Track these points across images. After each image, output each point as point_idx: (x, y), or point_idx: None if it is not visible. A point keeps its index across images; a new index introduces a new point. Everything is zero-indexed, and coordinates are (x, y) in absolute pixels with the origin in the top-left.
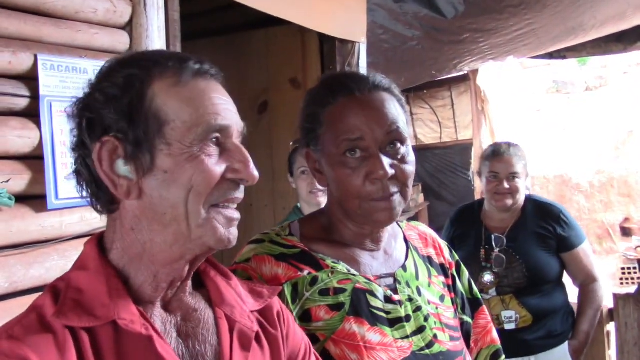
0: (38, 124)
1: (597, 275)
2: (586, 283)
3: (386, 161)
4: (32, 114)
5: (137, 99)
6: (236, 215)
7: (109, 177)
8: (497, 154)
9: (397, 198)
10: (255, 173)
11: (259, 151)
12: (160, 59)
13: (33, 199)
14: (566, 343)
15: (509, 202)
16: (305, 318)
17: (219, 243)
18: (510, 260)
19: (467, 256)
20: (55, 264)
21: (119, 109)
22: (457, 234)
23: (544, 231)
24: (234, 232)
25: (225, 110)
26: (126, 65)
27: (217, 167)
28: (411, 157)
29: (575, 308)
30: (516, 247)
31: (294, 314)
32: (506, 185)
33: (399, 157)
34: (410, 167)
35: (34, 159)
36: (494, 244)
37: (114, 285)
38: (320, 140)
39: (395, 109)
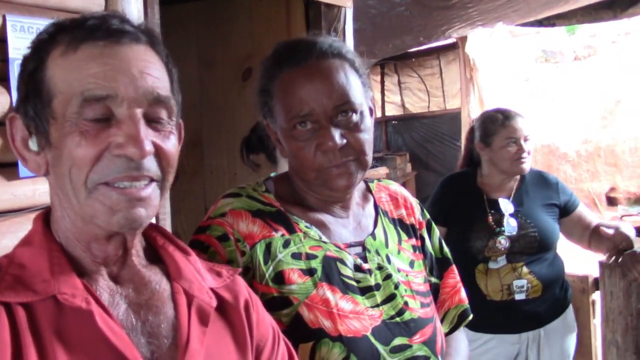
0: (8, 88)
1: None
2: (594, 229)
3: (336, 132)
4: (1, 77)
5: (34, 72)
6: (140, 193)
7: (18, 152)
8: (510, 119)
9: (352, 164)
10: (146, 147)
11: (244, 118)
12: (64, 24)
13: (4, 166)
14: (566, 311)
15: (528, 165)
16: (278, 280)
17: (111, 225)
18: (521, 224)
19: (472, 222)
20: None
21: (22, 83)
22: (453, 203)
23: (548, 200)
24: (136, 213)
25: (113, 76)
26: (39, 34)
27: (93, 142)
28: (366, 124)
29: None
30: (524, 211)
31: (267, 274)
32: (525, 147)
33: (351, 125)
34: (365, 135)
35: (3, 125)
36: (502, 208)
37: (57, 259)
38: (273, 112)
39: (345, 75)
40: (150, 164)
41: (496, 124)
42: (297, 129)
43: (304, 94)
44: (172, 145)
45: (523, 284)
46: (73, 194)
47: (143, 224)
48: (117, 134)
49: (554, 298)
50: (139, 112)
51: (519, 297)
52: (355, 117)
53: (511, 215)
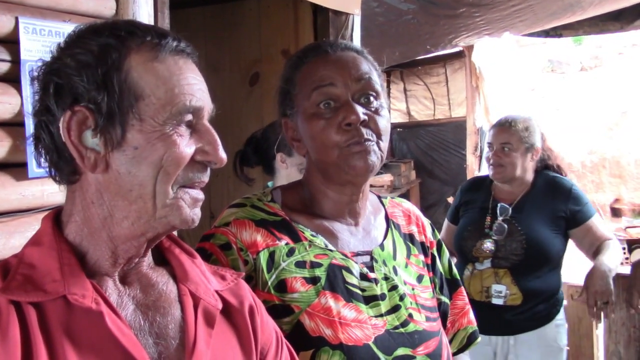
0: (19, 90)
1: (611, 236)
2: (599, 244)
3: (359, 108)
4: (12, 79)
5: (113, 69)
6: (201, 196)
7: (76, 148)
8: (497, 124)
9: (372, 145)
10: (223, 155)
11: (250, 123)
12: (137, 31)
13: (13, 166)
14: (548, 325)
15: (499, 175)
16: (280, 288)
17: (183, 223)
18: (511, 230)
19: (471, 222)
20: None
21: (93, 78)
22: (464, 201)
23: (555, 211)
24: (197, 213)
25: (199, 91)
26: (101, 33)
27: (187, 148)
28: (385, 113)
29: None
30: (520, 218)
31: (269, 283)
32: (497, 156)
33: (373, 108)
34: (384, 121)
35: (14, 126)
36: (498, 212)
37: (67, 260)
38: (295, 101)
39: (368, 66)
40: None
41: (490, 128)
42: (320, 108)
43: (329, 70)
44: None
45: (501, 289)
46: (152, 195)
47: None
48: (200, 141)
49: (534, 311)
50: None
51: (496, 301)
52: (375, 102)
53: (504, 220)
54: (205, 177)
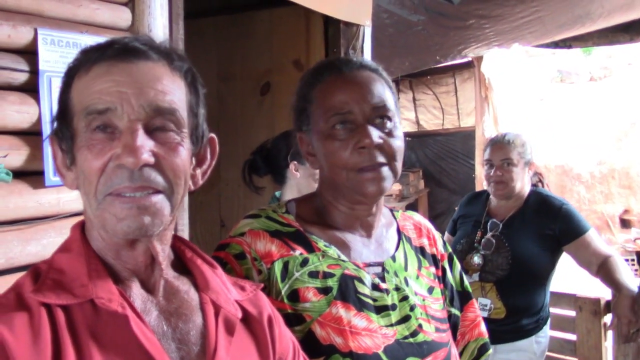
0: (37, 99)
1: (610, 252)
2: (603, 262)
3: (373, 131)
4: (31, 89)
5: (62, 96)
6: (142, 202)
7: (58, 170)
8: (493, 142)
9: (385, 170)
10: (141, 156)
11: (261, 132)
12: (88, 49)
13: (31, 175)
14: (528, 339)
15: (501, 191)
16: (293, 297)
17: (117, 232)
18: (498, 245)
19: (464, 235)
20: (52, 241)
21: (58, 105)
22: (461, 215)
23: (543, 229)
24: (140, 221)
25: (114, 91)
26: (71, 61)
27: (98, 155)
28: (399, 133)
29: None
30: (508, 234)
31: (283, 292)
32: (498, 172)
33: (386, 130)
34: (398, 142)
35: (32, 135)
36: (488, 228)
37: (94, 266)
38: (311, 118)
39: (382, 87)
40: (151, 175)
41: (485, 147)
42: (336, 129)
43: (345, 96)
44: (178, 156)
45: (487, 303)
46: (88, 205)
47: (149, 232)
48: (118, 145)
49: (517, 325)
50: (138, 123)
51: (481, 313)
52: (389, 124)
53: (492, 236)
54: (129, 182)
